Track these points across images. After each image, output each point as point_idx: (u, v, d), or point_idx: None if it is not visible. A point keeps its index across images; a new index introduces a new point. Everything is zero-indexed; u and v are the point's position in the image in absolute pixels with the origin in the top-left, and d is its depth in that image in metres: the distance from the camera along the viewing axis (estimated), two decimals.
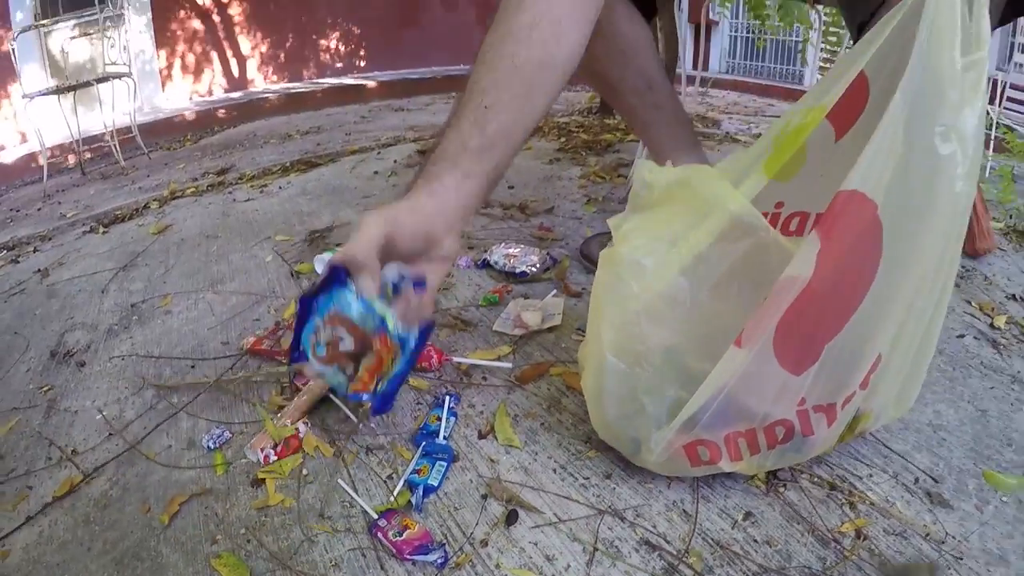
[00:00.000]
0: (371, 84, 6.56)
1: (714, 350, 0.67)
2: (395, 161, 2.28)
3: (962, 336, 1.14)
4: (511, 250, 1.37)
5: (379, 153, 2.49)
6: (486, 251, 1.39)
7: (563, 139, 2.57)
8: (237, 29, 8.01)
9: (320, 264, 1.35)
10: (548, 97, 0.83)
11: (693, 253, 0.69)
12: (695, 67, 9.89)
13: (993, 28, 0.95)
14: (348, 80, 7.65)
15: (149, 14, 7.22)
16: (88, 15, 6.60)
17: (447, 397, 0.93)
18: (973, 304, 1.28)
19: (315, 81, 7.91)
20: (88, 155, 4.02)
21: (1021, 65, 4.23)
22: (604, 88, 1.36)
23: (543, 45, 0.82)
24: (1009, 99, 4.20)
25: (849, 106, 0.76)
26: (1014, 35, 4.34)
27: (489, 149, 0.77)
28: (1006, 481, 0.79)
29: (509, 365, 1.00)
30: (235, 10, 7.95)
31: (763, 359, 0.64)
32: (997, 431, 0.86)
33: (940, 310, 0.73)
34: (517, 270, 1.31)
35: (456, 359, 1.01)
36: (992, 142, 3.66)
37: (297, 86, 7.37)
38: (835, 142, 0.80)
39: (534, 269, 1.31)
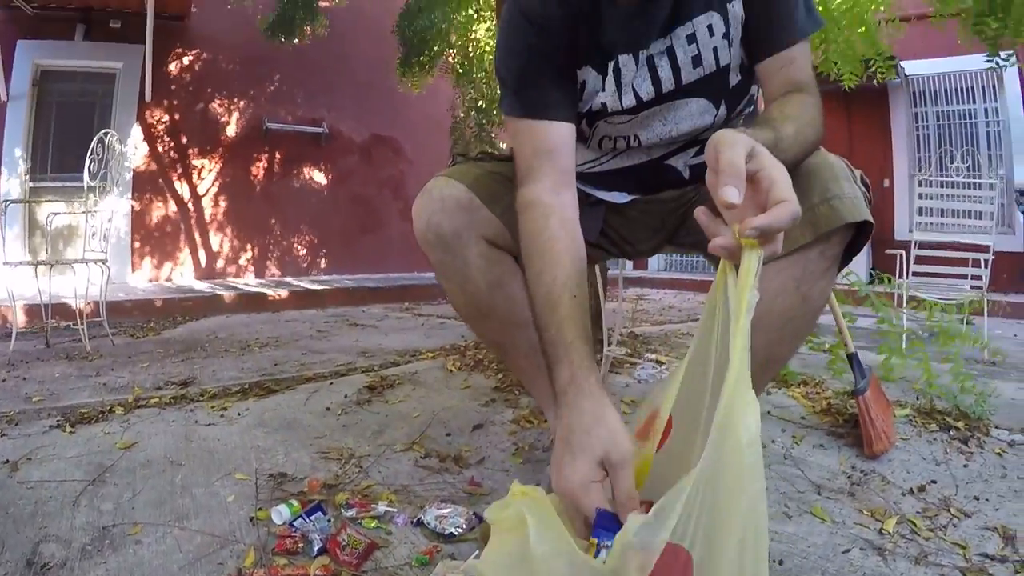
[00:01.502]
0: (330, 289, 6.86)
1: None
2: (346, 396, 2.50)
3: (848, 551, 1.32)
4: (443, 510, 1.59)
5: (332, 383, 2.72)
6: (422, 508, 1.62)
7: (500, 375, 2.83)
8: (209, 222, 8.45)
9: (277, 515, 1.56)
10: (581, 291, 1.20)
11: None
12: (635, 267, 10.50)
13: (839, 269, 1.23)
14: (309, 281, 7.98)
15: (130, 194, 7.62)
16: (74, 182, 6.96)
17: None
18: (865, 512, 1.47)
19: (278, 279, 8.23)
20: (54, 322, 4.19)
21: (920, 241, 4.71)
22: (497, 351, 1.65)
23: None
24: (915, 273, 4.64)
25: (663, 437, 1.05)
26: (919, 215, 4.85)
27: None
28: None
29: None
30: (209, 204, 8.43)
31: None
32: None
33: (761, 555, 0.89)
34: (446, 531, 1.52)
35: None
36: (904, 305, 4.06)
37: (260, 283, 7.65)
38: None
39: (460, 530, 1.52)
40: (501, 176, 1.46)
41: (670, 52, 1.29)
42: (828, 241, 1.15)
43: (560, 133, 1.29)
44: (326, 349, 3.76)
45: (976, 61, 9.02)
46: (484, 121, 5.50)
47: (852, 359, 2.16)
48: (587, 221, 1.40)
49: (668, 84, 1.32)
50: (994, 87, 9.59)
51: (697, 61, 1.29)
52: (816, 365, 2.60)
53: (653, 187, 1.51)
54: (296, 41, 7.19)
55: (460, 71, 5.75)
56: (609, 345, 2.76)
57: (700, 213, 0.89)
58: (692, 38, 1.28)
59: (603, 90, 1.34)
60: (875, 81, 3.69)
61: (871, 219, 1.17)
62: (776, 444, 2.00)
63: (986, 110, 9.68)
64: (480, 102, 5.48)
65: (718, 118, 1.37)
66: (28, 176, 7.68)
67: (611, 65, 1.32)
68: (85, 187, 4.28)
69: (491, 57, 5.61)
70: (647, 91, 1.32)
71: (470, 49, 5.68)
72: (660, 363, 3.04)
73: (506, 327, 1.49)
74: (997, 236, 4.82)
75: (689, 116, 1.36)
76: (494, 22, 5.22)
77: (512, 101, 1.32)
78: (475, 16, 5.47)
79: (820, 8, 3.37)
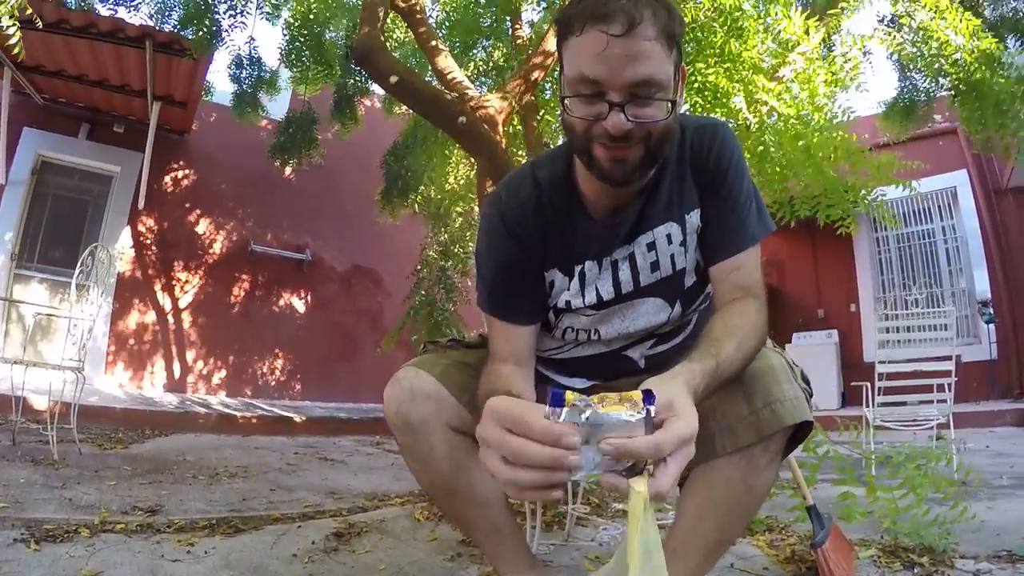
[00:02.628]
0: (301, 418, 6.86)
1: None
2: (313, 543, 2.50)
3: None
4: None
5: (300, 526, 2.72)
6: None
7: None
8: (187, 336, 8.53)
9: None
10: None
11: None
12: None
13: (783, 459, 1.33)
14: (281, 407, 7.99)
15: (111, 298, 7.68)
16: (58, 276, 7.05)
17: None
18: None
19: (250, 402, 8.21)
20: (22, 420, 4.21)
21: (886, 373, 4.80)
22: (459, 524, 1.73)
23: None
24: (882, 404, 4.72)
25: None
26: (882, 347, 4.97)
27: None
28: None
29: None
30: (188, 317, 8.53)
31: None
32: None
33: None
34: None
35: None
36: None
37: (232, 404, 7.63)
38: None
39: None
40: (468, 366, 1.58)
41: (631, 258, 1.45)
42: (771, 439, 1.27)
43: (523, 336, 1.47)
44: (295, 486, 3.75)
45: (932, 183, 9.59)
46: (448, 265, 5.67)
47: (811, 511, 2.21)
48: None
49: (627, 286, 1.46)
50: (950, 205, 10.21)
51: (655, 266, 1.45)
52: (783, 506, 2.65)
53: (611, 375, 1.63)
54: (290, 168, 7.52)
55: (431, 214, 5.98)
56: (575, 501, 2.79)
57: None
58: (652, 246, 1.43)
59: (568, 289, 1.48)
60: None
61: (811, 419, 1.29)
62: None
63: (943, 228, 10.30)
64: (452, 246, 5.67)
65: (672, 316, 1.51)
66: (14, 263, 7.76)
67: (577, 269, 1.47)
68: (72, 294, 4.35)
69: (459, 207, 5.86)
70: (608, 292, 1.47)
71: (447, 192, 5.93)
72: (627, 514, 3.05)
73: (467, 506, 1.58)
74: (964, 347, 4.95)
75: (646, 314, 1.50)
76: (469, 172, 5.49)
77: (486, 299, 1.50)
78: (448, 165, 5.74)
79: (782, 160, 3.61)
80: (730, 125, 3.60)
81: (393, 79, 3.51)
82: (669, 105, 1.21)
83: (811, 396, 1.35)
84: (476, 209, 5.49)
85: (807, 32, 3.72)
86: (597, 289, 1.47)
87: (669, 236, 1.42)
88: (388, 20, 4.84)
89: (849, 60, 3.91)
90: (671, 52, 1.22)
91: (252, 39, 6.88)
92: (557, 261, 1.47)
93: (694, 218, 1.42)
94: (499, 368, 1.43)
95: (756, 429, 1.26)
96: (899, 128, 6.25)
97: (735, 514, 1.32)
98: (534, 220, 1.44)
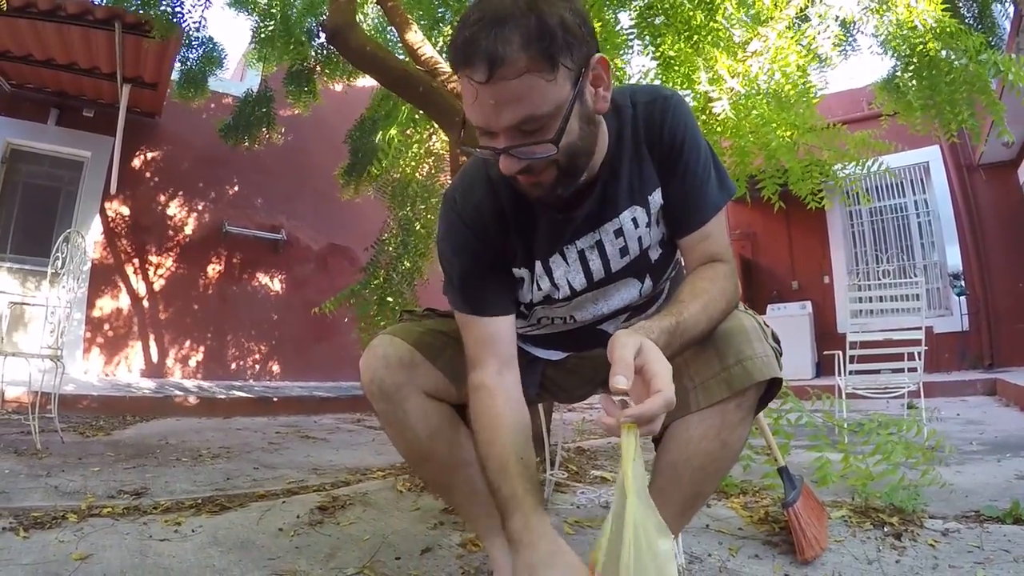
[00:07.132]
0: (281, 399, 6.86)
1: None
2: (298, 516, 2.55)
3: None
4: None
5: (284, 502, 2.77)
6: None
7: None
8: (163, 320, 8.47)
9: None
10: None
11: None
12: None
13: (755, 415, 1.39)
14: (261, 387, 7.99)
15: (86, 285, 7.61)
16: (31, 264, 6.98)
17: None
18: None
19: (230, 383, 8.19)
20: (2, 411, 4.22)
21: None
22: (436, 489, 1.78)
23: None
24: (854, 373, 4.84)
25: None
26: (853, 317, 5.08)
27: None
28: None
29: None
30: (163, 301, 8.49)
31: None
32: None
33: None
34: None
35: None
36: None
37: (211, 386, 7.61)
38: None
39: None
40: (441, 333, 1.62)
41: (599, 246, 1.46)
42: (743, 395, 1.32)
43: (499, 326, 1.47)
44: (278, 464, 3.78)
45: (905, 158, 9.71)
46: (411, 239, 5.61)
47: (782, 472, 2.29)
48: (526, 377, 1.58)
49: (599, 274, 1.49)
50: (922, 180, 10.45)
51: (624, 251, 1.47)
52: (757, 472, 2.71)
53: (586, 348, 1.67)
54: (247, 144, 7.44)
55: (391, 192, 5.93)
56: (552, 468, 2.84)
57: (604, 399, 1.06)
58: (619, 232, 1.45)
59: (540, 288, 1.51)
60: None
61: (780, 375, 1.35)
62: (713, 558, 2.08)
63: (916, 202, 10.54)
64: (416, 224, 5.62)
65: (644, 290, 1.54)
66: None
67: (542, 266, 1.49)
68: (48, 281, 4.35)
69: (416, 183, 5.79)
70: (580, 283, 1.50)
71: (406, 170, 5.86)
72: (605, 480, 3.12)
73: (444, 469, 1.62)
74: (936, 319, 4.98)
75: (618, 295, 1.54)
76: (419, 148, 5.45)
77: (456, 298, 1.51)
78: (405, 139, 5.66)
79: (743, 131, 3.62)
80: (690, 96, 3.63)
81: (365, 53, 3.51)
82: (562, 129, 1.18)
83: (781, 355, 1.41)
84: (447, 179, 5.45)
85: (776, 6, 3.72)
86: (569, 282, 1.49)
87: (635, 220, 1.44)
88: None
89: (823, 32, 3.90)
90: (554, 72, 1.15)
91: (203, 18, 6.72)
92: (523, 259, 1.49)
93: (656, 197, 1.43)
94: (480, 380, 1.45)
95: (728, 385, 1.31)
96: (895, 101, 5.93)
97: (710, 468, 1.36)
98: (494, 223, 1.46)
